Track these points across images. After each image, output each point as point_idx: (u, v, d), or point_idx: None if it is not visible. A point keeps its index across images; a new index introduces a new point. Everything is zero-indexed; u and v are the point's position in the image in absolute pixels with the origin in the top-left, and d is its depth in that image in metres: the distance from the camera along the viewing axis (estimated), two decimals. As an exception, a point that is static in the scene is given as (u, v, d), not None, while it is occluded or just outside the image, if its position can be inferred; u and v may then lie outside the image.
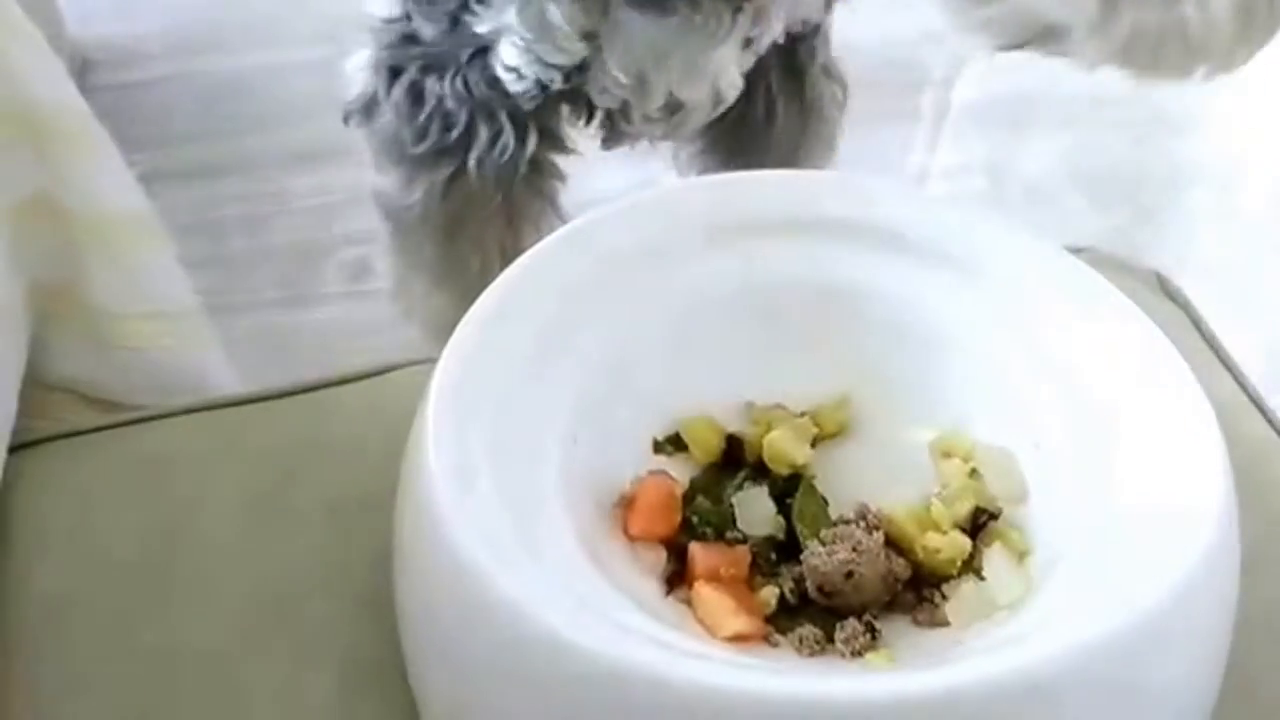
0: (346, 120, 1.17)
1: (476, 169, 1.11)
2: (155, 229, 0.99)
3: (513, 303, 0.74)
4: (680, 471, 0.76)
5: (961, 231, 0.79)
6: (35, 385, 0.92)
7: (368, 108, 1.15)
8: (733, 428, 0.78)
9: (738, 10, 1.05)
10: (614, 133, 1.15)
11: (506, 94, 1.07)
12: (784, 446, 0.76)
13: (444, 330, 0.73)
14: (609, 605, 0.66)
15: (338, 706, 0.74)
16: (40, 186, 0.92)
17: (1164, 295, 0.95)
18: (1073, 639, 0.61)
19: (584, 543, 0.70)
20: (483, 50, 1.06)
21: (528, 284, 0.76)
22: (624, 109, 1.11)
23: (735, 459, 0.77)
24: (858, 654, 0.69)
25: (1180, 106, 1.71)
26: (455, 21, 1.06)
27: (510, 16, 1.03)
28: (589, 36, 1.04)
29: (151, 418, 0.88)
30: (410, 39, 1.10)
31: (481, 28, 1.05)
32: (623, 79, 1.06)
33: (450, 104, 1.09)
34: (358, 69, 1.15)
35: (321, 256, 1.70)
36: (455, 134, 1.10)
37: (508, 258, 0.83)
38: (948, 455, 0.76)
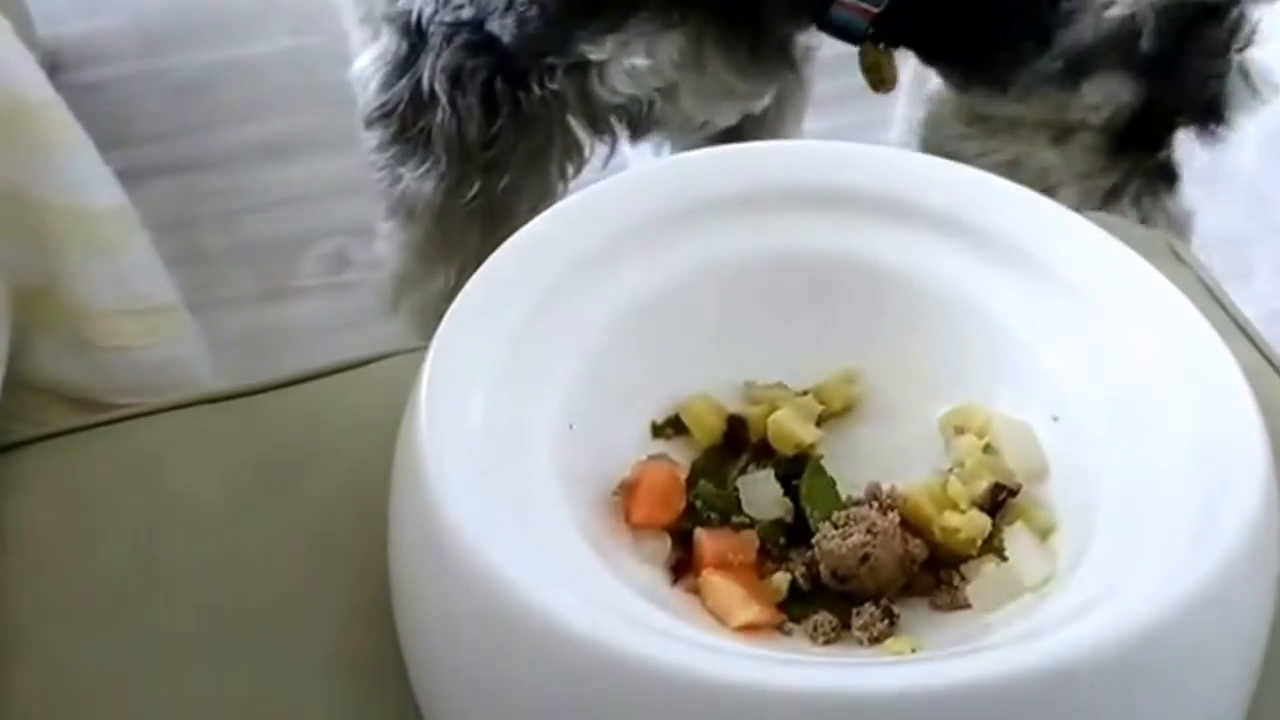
0: (374, 118, 1.20)
1: (558, 170, 1.22)
2: (134, 224, 0.98)
3: (503, 286, 0.72)
4: (681, 455, 0.74)
5: (972, 198, 0.76)
6: (16, 387, 0.90)
7: (415, 109, 1.16)
8: (733, 408, 0.75)
9: (793, 70, 1.25)
10: (645, 131, 1.27)
11: (592, 104, 1.18)
12: (789, 426, 0.73)
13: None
14: (616, 597, 0.63)
15: (335, 705, 0.72)
16: (14, 182, 0.90)
17: (1176, 261, 0.93)
18: (1113, 626, 0.58)
19: (585, 532, 0.67)
20: (580, 65, 1.15)
21: (518, 266, 0.73)
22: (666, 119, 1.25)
23: (737, 441, 0.75)
24: (876, 641, 0.66)
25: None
26: (566, 41, 1.14)
27: (631, 48, 1.14)
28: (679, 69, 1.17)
29: (135, 416, 0.86)
30: (483, 46, 1.15)
31: (597, 55, 1.14)
32: (691, 109, 1.22)
33: (529, 109, 1.16)
34: (379, 66, 1.18)
35: (298, 250, 1.69)
36: (535, 140, 1.19)
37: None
38: (960, 431, 0.74)
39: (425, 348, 0.69)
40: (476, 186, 1.20)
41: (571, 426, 0.70)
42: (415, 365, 0.69)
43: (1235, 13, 1.11)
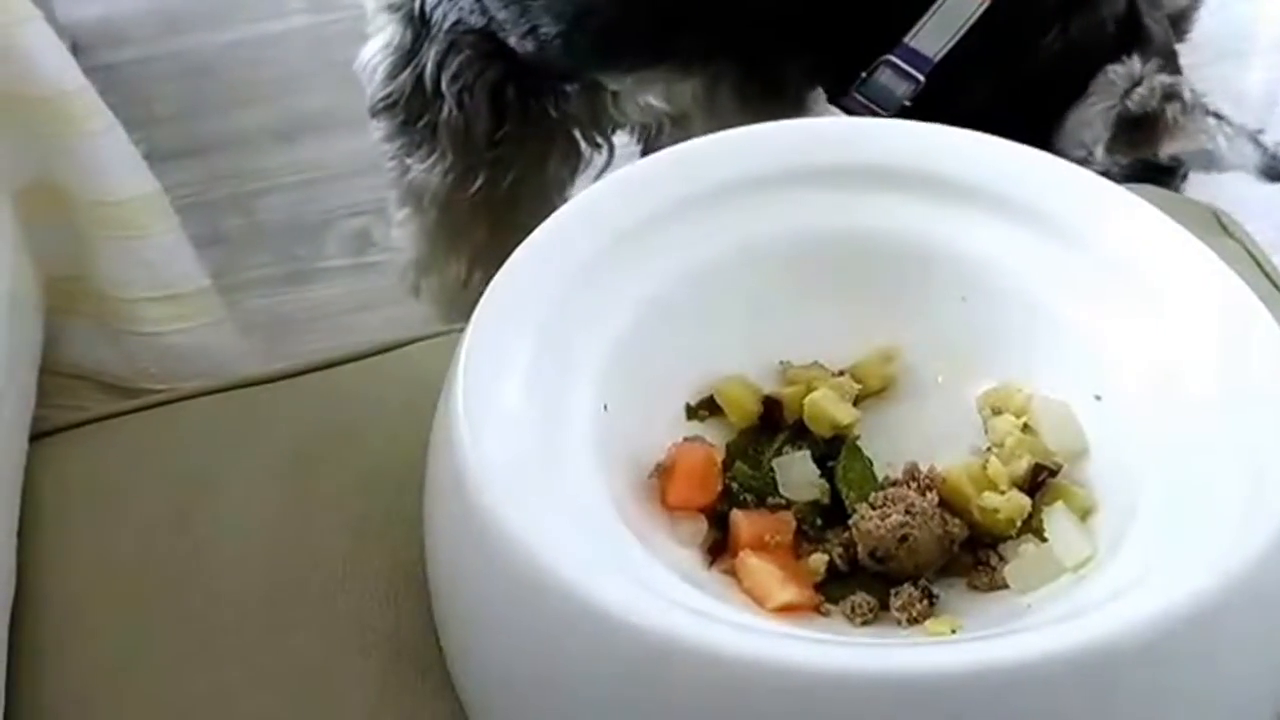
0: (379, 109, 1.21)
1: (554, 173, 1.22)
2: (165, 210, 0.98)
3: (539, 267, 0.72)
4: (716, 437, 0.74)
5: (1012, 172, 0.75)
6: (50, 374, 0.91)
7: (419, 102, 1.18)
8: (769, 389, 0.75)
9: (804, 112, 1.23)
10: (652, 147, 1.29)
11: (601, 122, 1.21)
12: (826, 406, 0.73)
13: (467, 308, 0.71)
14: (654, 578, 0.63)
15: (371, 686, 0.72)
16: (46, 169, 0.91)
17: (1222, 232, 0.92)
18: (1154, 606, 0.58)
19: (621, 514, 0.67)
20: (594, 85, 1.17)
21: (554, 248, 0.73)
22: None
23: (773, 422, 0.74)
24: (915, 621, 0.66)
25: (1214, 39, 1.69)
26: (584, 72, 1.15)
27: (648, 88, 1.17)
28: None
29: (169, 401, 0.86)
30: (493, 53, 1.15)
31: (615, 86, 1.17)
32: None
33: (538, 114, 1.17)
34: (384, 56, 1.17)
35: (320, 231, 1.68)
36: (536, 144, 1.19)
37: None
38: (998, 410, 0.73)
39: (461, 330, 0.69)
40: (482, 179, 1.19)
41: (606, 408, 0.70)
42: (451, 348, 0.69)
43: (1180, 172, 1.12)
